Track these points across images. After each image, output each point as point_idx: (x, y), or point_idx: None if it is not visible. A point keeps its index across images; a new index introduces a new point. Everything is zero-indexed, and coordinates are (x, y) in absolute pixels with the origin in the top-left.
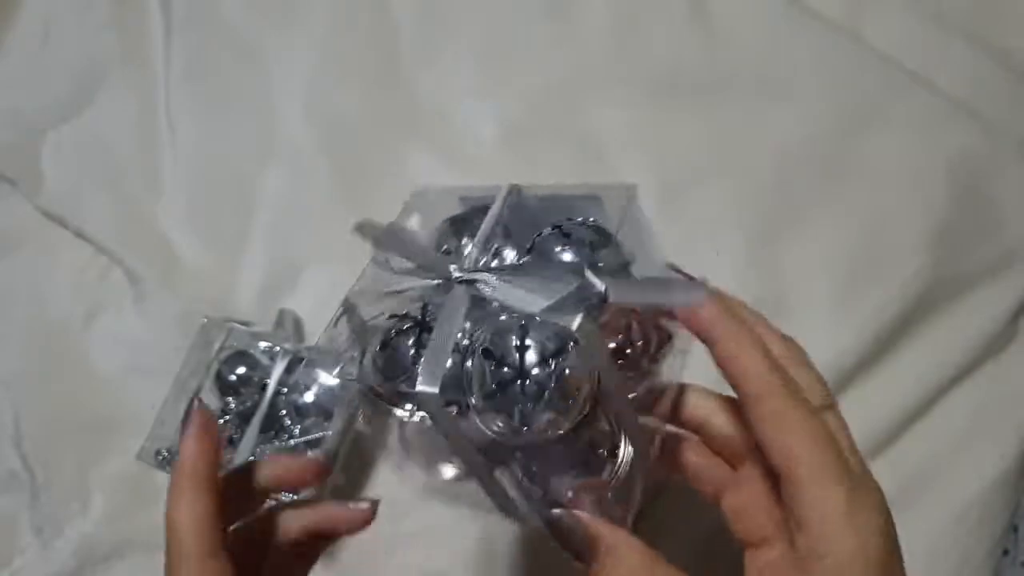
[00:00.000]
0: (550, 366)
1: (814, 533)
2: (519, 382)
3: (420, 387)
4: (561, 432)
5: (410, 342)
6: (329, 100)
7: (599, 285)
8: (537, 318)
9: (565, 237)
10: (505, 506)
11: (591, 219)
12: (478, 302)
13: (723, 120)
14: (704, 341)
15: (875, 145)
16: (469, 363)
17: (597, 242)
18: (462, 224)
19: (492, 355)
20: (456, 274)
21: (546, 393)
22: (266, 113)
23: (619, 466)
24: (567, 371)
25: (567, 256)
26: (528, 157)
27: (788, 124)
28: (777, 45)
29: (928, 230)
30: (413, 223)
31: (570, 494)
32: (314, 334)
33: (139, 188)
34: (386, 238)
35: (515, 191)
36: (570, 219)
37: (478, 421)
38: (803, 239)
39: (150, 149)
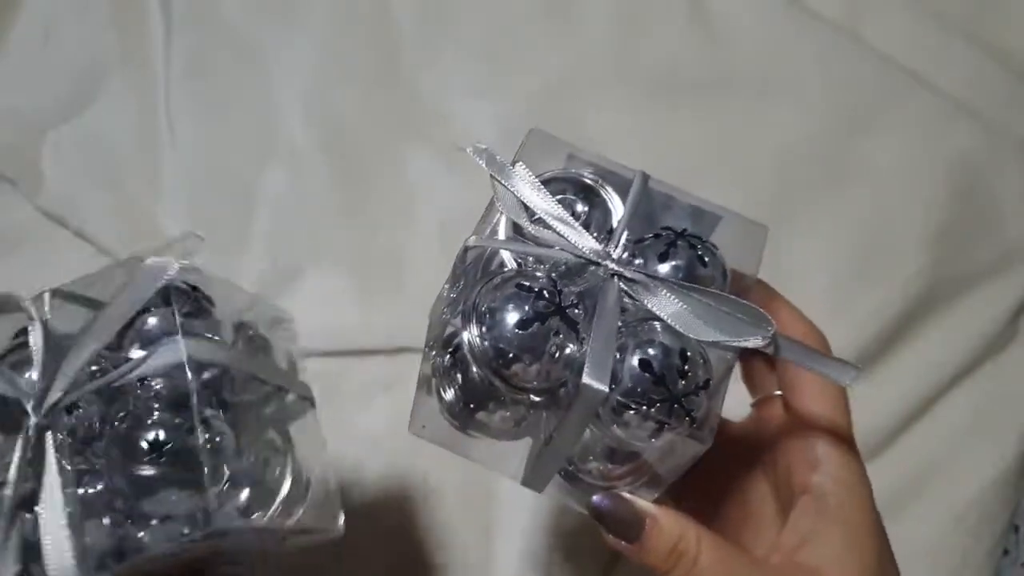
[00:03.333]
0: (700, 398)
1: (834, 477)
2: (672, 404)
3: (589, 380)
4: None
5: (545, 324)
6: (329, 100)
7: (769, 331)
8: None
9: (681, 245)
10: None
11: (709, 241)
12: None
13: (723, 120)
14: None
15: (875, 145)
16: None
17: (703, 264)
18: (568, 186)
19: (651, 369)
20: (613, 267)
21: (689, 418)
22: (266, 113)
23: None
24: (708, 403)
25: (668, 264)
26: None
27: (788, 124)
28: (777, 45)
29: (928, 230)
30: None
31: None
32: (314, 333)
33: (139, 188)
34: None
35: (645, 179)
36: (687, 232)
37: (607, 420)
38: (803, 239)
39: (150, 149)
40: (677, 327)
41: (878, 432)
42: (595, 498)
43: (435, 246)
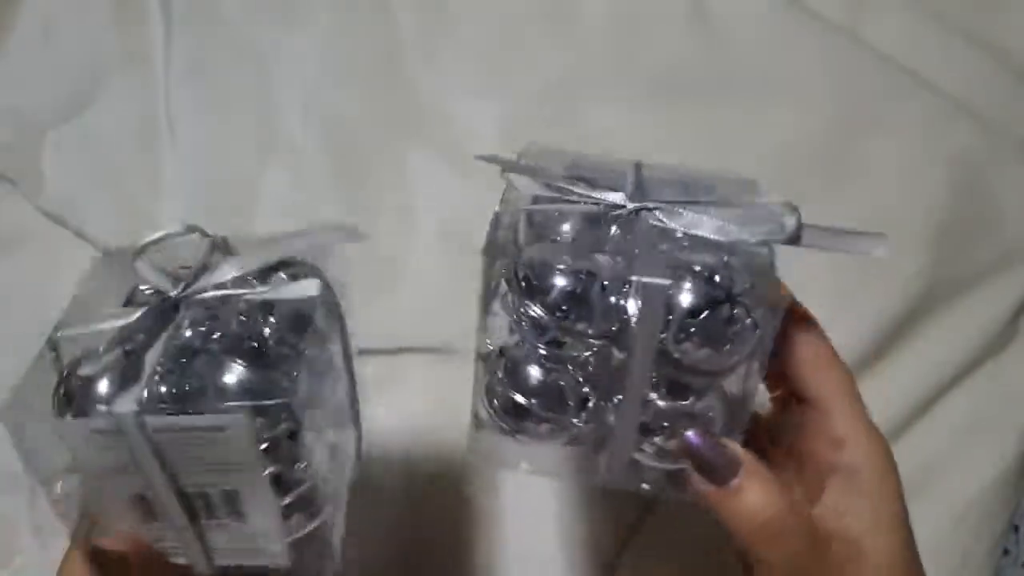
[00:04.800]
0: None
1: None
2: (730, 304)
3: (649, 279)
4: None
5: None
6: (329, 100)
7: (792, 224)
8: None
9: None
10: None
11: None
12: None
13: (723, 120)
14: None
15: (875, 145)
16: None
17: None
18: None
19: (706, 276)
20: (630, 204)
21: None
22: (266, 113)
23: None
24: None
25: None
26: None
27: (788, 124)
28: (777, 45)
29: (928, 230)
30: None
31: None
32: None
33: (139, 188)
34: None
35: (639, 168)
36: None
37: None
38: None
39: (150, 149)
40: (718, 237)
41: None
42: (688, 433)
43: (435, 246)
